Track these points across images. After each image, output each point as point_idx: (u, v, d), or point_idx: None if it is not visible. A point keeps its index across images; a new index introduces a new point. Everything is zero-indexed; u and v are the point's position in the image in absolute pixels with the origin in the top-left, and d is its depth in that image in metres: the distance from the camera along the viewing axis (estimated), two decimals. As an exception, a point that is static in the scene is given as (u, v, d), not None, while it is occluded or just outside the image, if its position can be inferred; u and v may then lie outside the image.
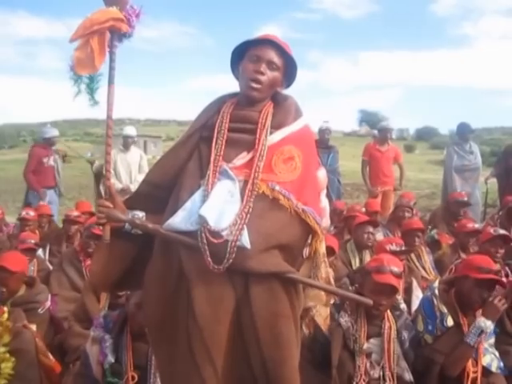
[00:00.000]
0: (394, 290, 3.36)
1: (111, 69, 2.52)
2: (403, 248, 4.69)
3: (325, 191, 2.69)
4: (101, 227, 2.50)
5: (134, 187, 7.85)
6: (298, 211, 2.28)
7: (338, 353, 3.25)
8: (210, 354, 2.22)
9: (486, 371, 3.42)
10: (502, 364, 3.47)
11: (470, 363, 3.39)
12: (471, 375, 3.37)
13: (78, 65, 2.46)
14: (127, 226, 2.41)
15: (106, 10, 2.47)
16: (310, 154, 2.47)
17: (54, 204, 8.66)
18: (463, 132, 8.97)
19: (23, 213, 6.60)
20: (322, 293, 2.67)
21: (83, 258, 4.96)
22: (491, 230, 5.19)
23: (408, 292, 4.45)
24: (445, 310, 3.50)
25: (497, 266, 4.80)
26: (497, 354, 3.49)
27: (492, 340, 3.52)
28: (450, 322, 3.46)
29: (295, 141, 2.40)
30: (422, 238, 5.61)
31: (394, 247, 4.55)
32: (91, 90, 2.53)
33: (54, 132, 9.16)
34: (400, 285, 3.43)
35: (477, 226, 6.04)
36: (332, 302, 3.23)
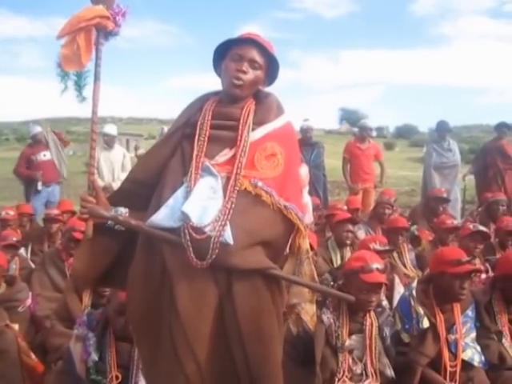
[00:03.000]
0: (380, 285, 3.41)
1: (97, 66, 2.52)
2: (387, 247, 4.73)
3: (307, 188, 2.71)
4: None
5: (116, 185, 7.80)
6: (281, 207, 2.29)
7: (320, 349, 3.26)
8: (193, 350, 2.22)
9: (466, 365, 3.46)
10: (483, 358, 3.51)
11: (447, 358, 3.44)
12: (449, 369, 3.42)
13: (65, 61, 2.47)
14: (110, 222, 2.41)
15: (92, 8, 2.48)
16: (292, 150, 2.49)
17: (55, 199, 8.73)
18: (441, 130, 9.07)
19: (3, 213, 6.53)
20: (306, 290, 2.69)
21: (66, 257, 4.92)
22: (470, 226, 5.25)
23: (390, 288, 4.48)
24: (421, 311, 3.53)
25: (476, 261, 4.89)
26: (478, 348, 3.53)
27: (473, 335, 3.57)
28: (425, 323, 3.49)
29: (277, 137, 2.42)
30: (405, 237, 5.66)
31: (377, 246, 4.59)
32: (79, 87, 2.53)
33: (36, 129, 9.19)
34: (385, 279, 3.47)
35: (456, 222, 6.11)
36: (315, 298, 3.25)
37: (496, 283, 3.89)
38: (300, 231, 2.43)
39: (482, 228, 5.17)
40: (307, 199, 2.66)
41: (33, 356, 3.64)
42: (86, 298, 3.98)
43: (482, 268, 4.86)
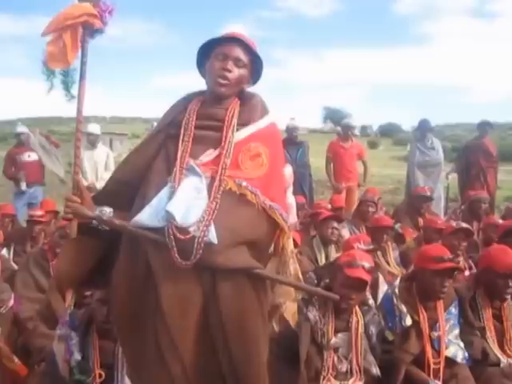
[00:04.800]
0: (364, 284, 3.42)
1: (83, 64, 2.50)
2: (371, 246, 4.76)
3: (291, 188, 2.71)
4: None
5: (99, 185, 7.78)
6: (265, 207, 2.29)
7: (306, 347, 3.28)
8: (178, 350, 2.22)
9: (450, 362, 3.49)
10: (466, 354, 3.55)
11: (430, 355, 3.47)
12: (433, 366, 3.45)
13: (51, 59, 2.45)
14: (94, 221, 2.40)
15: (79, 5, 2.46)
16: (277, 151, 2.49)
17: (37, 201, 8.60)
18: (423, 129, 9.12)
19: None
20: (291, 289, 2.69)
21: (51, 257, 4.88)
22: (453, 224, 5.28)
23: (374, 287, 4.51)
24: (404, 309, 3.56)
25: (459, 258, 4.93)
26: (461, 344, 3.56)
27: (457, 331, 3.60)
28: (408, 321, 3.52)
29: (262, 138, 2.42)
30: (389, 235, 5.69)
31: (361, 246, 4.61)
32: (67, 85, 2.51)
33: (21, 129, 9.17)
34: (370, 280, 3.48)
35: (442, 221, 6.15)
36: (300, 296, 3.25)
37: (479, 278, 3.93)
38: (284, 231, 2.44)
39: (465, 225, 5.20)
40: (291, 200, 2.66)
41: (16, 359, 3.61)
42: (69, 299, 3.96)
43: (466, 265, 4.91)
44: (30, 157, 8.86)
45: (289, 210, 2.49)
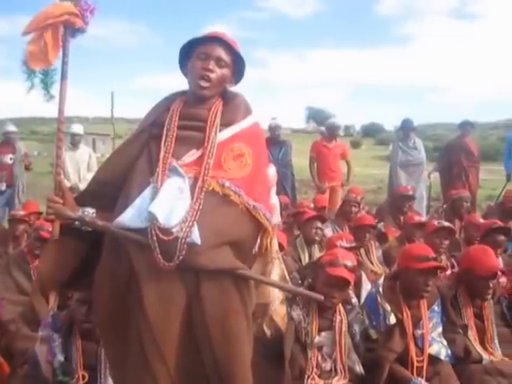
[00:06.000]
0: (346, 283, 3.44)
1: (64, 64, 2.48)
2: (353, 244, 4.78)
3: (275, 188, 2.72)
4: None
5: (82, 186, 7.72)
6: (249, 207, 2.29)
7: (290, 346, 3.28)
8: (162, 352, 2.21)
9: (433, 360, 3.52)
10: (449, 352, 3.58)
11: (414, 353, 3.49)
12: (416, 364, 3.47)
13: (31, 59, 2.42)
14: (77, 222, 2.38)
15: (60, 4, 2.43)
16: (260, 151, 2.49)
17: (6, 204, 8.54)
18: (405, 128, 9.17)
19: None
20: (275, 290, 2.69)
21: (31, 259, 4.83)
22: (435, 222, 5.32)
23: (357, 285, 4.53)
24: (388, 307, 3.58)
25: (442, 257, 4.97)
26: (444, 342, 3.60)
27: (439, 329, 3.63)
28: (392, 319, 3.54)
29: (245, 138, 2.42)
30: (372, 234, 5.72)
31: (344, 243, 4.64)
32: (46, 85, 2.49)
33: (9, 127, 8.99)
34: (352, 278, 3.50)
35: (423, 219, 6.19)
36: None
37: (460, 278, 3.96)
38: (268, 231, 2.44)
39: (447, 224, 5.24)
40: (275, 200, 2.67)
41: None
42: (52, 301, 3.93)
43: (448, 264, 4.95)
44: (11, 160, 8.72)
45: (273, 210, 2.49)
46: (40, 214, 6.56)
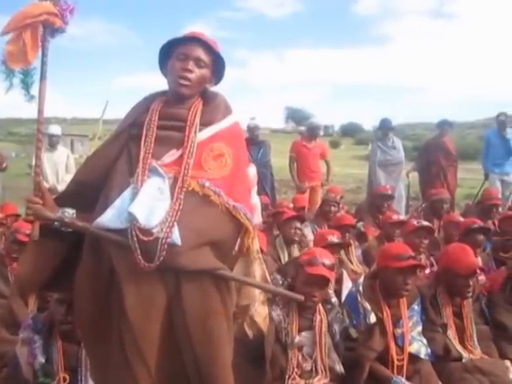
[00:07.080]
0: (326, 281, 3.44)
1: (43, 64, 2.45)
2: (341, 240, 4.84)
3: (255, 188, 2.72)
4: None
5: (60, 187, 7.68)
6: (229, 207, 2.29)
7: (270, 346, 3.28)
8: (143, 352, 2.20)
9: (413, 358, 3.54)
10: (429, 350, 3.60)
11: (394, 352, 3.51)
12: (396, 363, 3.49)
13: (10, 58, 2.39)
14: (57, 223, 2.36)
15: (39, 4, 2.41)
16: (240, 150, 2.49)
17: None
18: (384, 128, 9.23)
19: None
20: (256, 290, 2.69)
21: (9, 262, 4.78)
22: (415, 222, 5.35)
23: (339, 283, 4.56)
24: (368, 307, 3.60)
25: (421, 256, 5.00)
26: (424, 341, 3.62)
27: (419, 328, 3.65)
28: (372, 318, 3.56)
29: (225, 138, 2.42)
30: (351, 233, 5.76)
31: (334, 239, 4.69)
32: (26, 85, 2.46)
33: None
34: (332, 277, 3.51)
35: (401, 217, 6.23)
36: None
37: (440, 277, 3.99)
38: (248, 231, 2.44)
39: (426, 223, 5.27)
40: (256, 199, 2.67)
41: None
42: (32, 303, 3.89)
43: (427, 263, 4.99)
44: None
45: (254, 210, 2.50)
46: (18, 216, 6.48)
